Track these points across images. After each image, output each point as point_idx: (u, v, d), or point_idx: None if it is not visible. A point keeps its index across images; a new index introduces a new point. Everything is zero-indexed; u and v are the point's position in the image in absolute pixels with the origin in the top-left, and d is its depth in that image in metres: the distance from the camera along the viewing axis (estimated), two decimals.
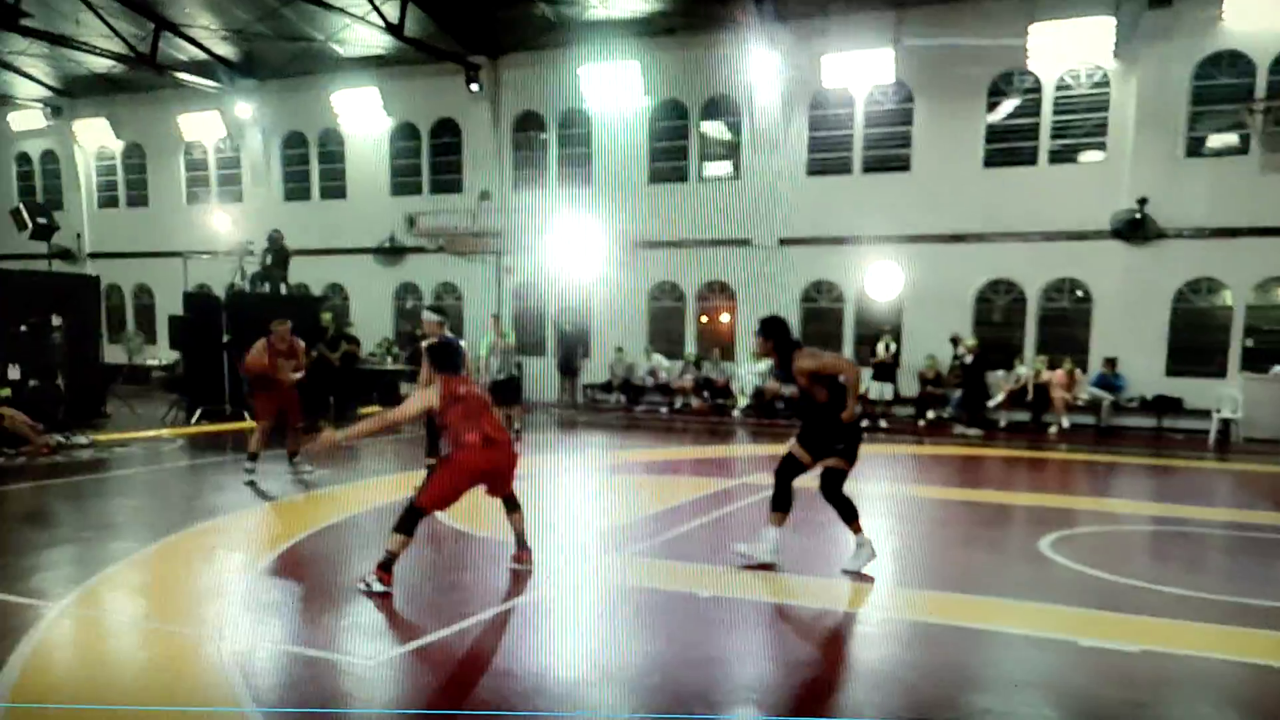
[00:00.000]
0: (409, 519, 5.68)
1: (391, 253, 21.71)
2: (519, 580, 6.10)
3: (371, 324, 21.46)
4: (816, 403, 6.22)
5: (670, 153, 19.31)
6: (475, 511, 8.13)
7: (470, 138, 20.75)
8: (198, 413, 15.09)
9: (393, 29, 17.75)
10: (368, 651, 4.85)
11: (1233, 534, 8.33)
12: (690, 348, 19.17)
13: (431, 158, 21.41)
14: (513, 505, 6.28)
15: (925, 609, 5.59)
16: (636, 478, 10.77)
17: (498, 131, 20.39)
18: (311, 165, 22.62)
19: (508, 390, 14.12)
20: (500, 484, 6.14)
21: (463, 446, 5.79)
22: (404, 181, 21.75)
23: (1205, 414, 15.23)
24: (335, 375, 17.07)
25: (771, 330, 6.38)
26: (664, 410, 18.55)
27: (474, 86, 19.77)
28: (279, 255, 17.43)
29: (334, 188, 22.49)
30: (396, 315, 22.28)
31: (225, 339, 15.08)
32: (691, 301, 19.49)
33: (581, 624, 5.53)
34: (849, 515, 6.30)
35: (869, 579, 6.16)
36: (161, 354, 22.56)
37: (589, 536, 7.72)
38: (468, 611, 5.41)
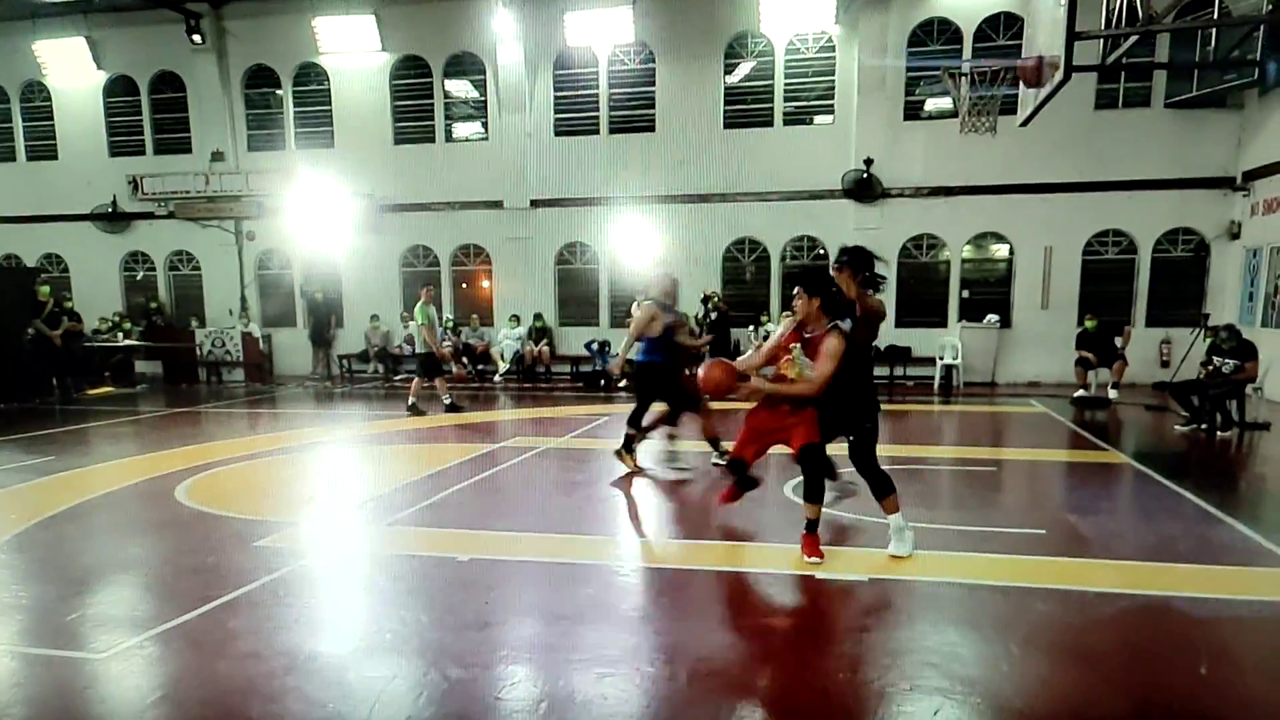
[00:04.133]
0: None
1: (115, 219, 19.82)
2: (268, 558, 5.74)
3: (98, 297, 19.64)
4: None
5: (415, 112, 18.52)
6: (220, 493, 7.77)
7: (196, 93, 19.13)
8: None
9: None
10: (101, 645, 4.39)
11: (955, 469, 8.99)
12: (448, 313, 18.65)
13: (153, 115, 19.61)
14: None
15: (678, 557, 5.88)
16: (396, 447, 10.49)
17: (227, 87, 18.89)
18: (15, 122, 20.22)
19: (432, 362, 13.10)
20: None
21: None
22: (123, 141, 19.82)
23: (931, 361, 16.32)
24: (59, 355, 15.60)
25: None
26: None
27: (196, 38, 18.25)
28: None
29: (43, 147, 20.23)
30: (126, 287, 20.45)
31: None
32: (447, 266, 18.92)
33: (336, 598, 5.27)
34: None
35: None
36: None
37: (346, 508, 7.44)
38: (211, 595, 5.04)
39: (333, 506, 7.61)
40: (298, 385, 17.59)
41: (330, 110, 18.79)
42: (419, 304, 12.65)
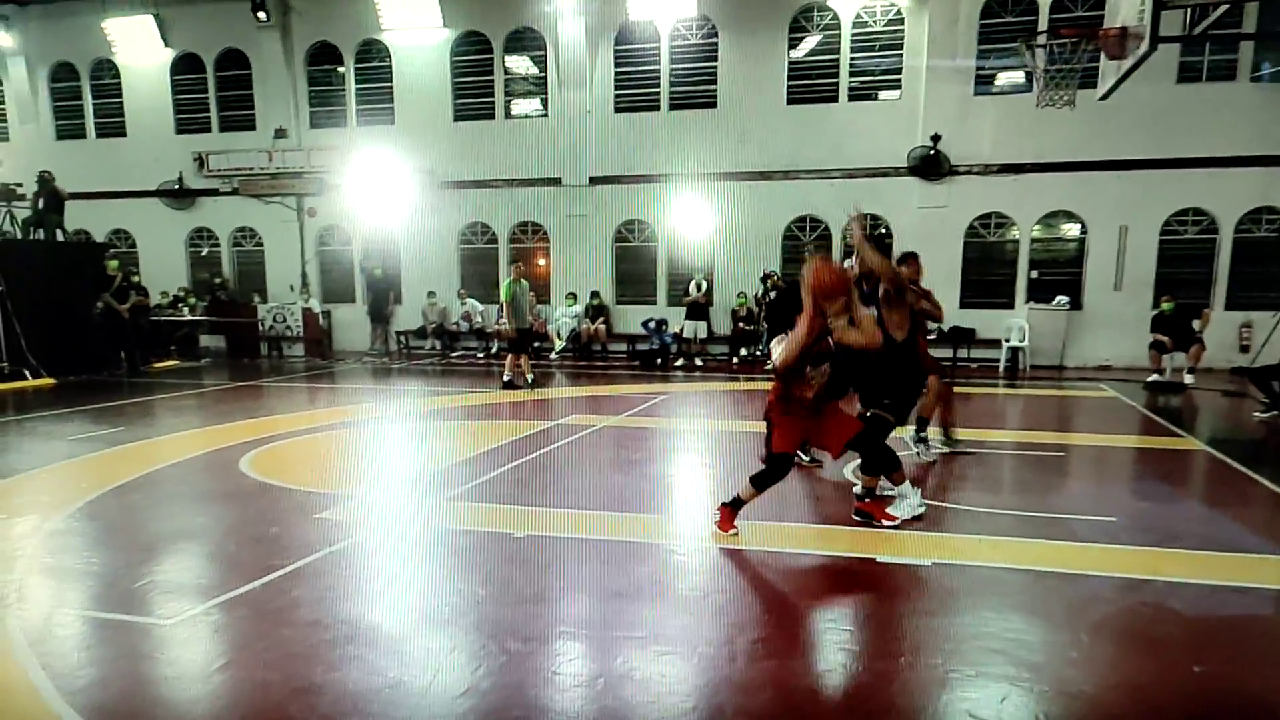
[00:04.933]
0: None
1: (181, 195, 20.18)
2: (330, 530, 5.80)
3: (163, 273, 20.02)
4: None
5: (475, 89, 18.50)
6: (283, 465, 7.86)
7: (261, 71, 19.36)
8: None
9: None
10: (167, 611, 4.46)
11: (1021, 454, 8.67)
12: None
13: (219, 92, 19.88)
14: None
15: (736, 538, 5.65)
16: (453, 423, 10.60)
17: (290, 64, 19.07)
18: (85, 100, 20.69)
19: (521, 338, 13.41)
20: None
21: None
22: (190, 118, 20.17)
23: (996, 343, 15.89)
24: (126, 328, 15.95)
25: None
26: (480, 355, 18.14)
27: (261, 15, 18.44)
28: (52, 198, 15.98)
29: (112, 124, 20.67)
30: (191, 262, 20.84)
31: None
32: (504, 243, 18.93)
33: (395, 570, 5.34)
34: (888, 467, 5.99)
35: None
36: None
37: (405, 483, 7.52)
38: (274, 564, 5.08)
39: (392, 481, 7.64)
40: (356, 361, 17.77)
41: (391, 87, 18.87)
42: (506, 281, 12.77)
